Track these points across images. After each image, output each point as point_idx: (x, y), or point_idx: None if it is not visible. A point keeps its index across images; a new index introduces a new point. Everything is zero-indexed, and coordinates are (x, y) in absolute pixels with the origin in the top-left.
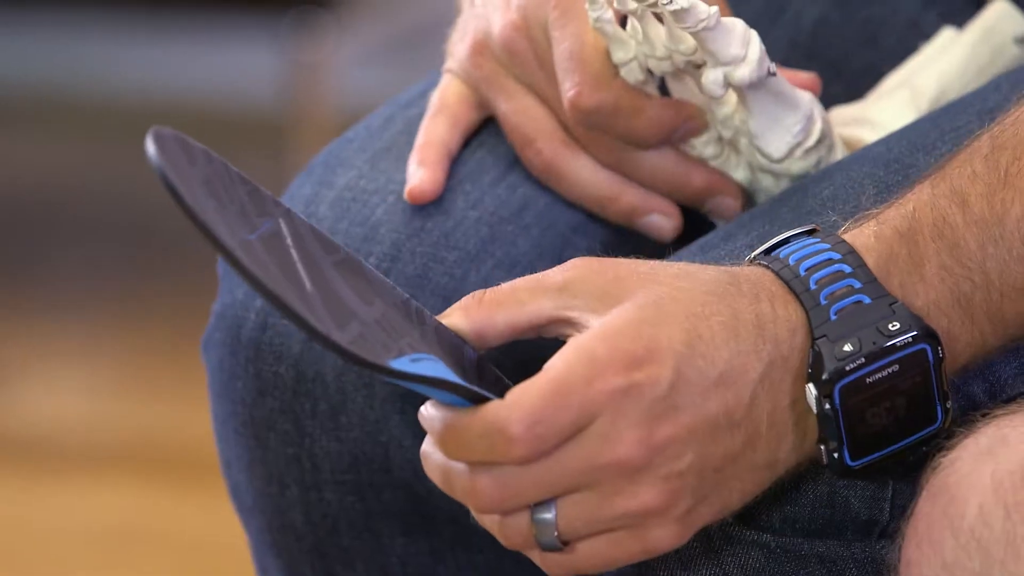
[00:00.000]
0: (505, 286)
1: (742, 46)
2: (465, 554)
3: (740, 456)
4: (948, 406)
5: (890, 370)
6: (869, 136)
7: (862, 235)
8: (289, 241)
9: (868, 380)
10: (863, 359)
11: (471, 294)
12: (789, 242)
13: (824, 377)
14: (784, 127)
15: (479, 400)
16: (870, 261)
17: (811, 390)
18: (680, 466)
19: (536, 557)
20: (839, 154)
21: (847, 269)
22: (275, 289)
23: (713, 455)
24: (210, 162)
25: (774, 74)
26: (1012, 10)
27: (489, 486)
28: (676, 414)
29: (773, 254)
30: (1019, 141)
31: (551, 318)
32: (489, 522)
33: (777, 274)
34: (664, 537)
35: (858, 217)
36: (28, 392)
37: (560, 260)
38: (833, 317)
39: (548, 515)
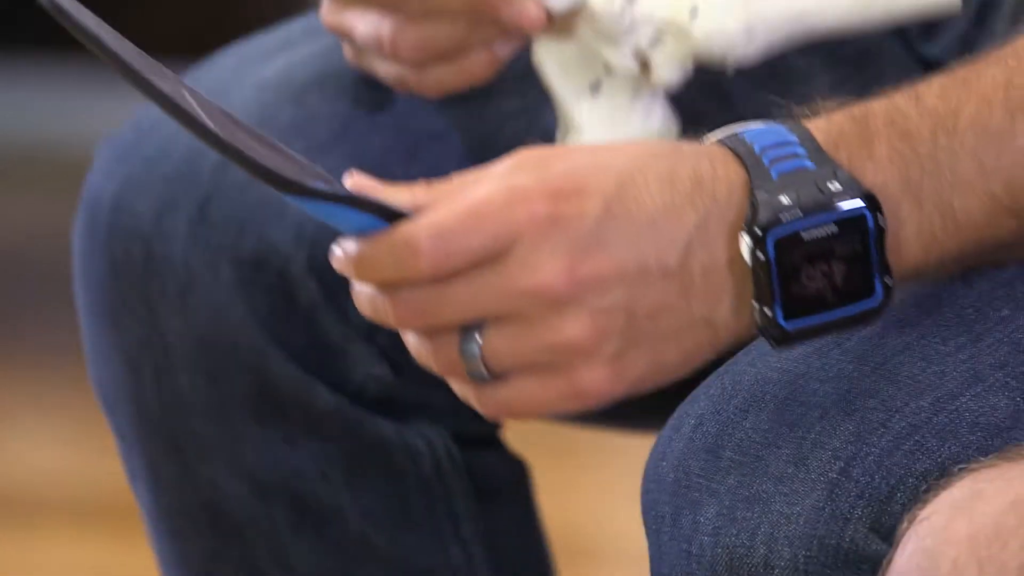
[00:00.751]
0: (452, 179)
1: None
2: (319, 443)
3: (674, 306)
4: (888, 282)
5: (827, 230)
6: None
7: (815, 120)
8: (192, 101)
9: (804, 236)
10: (799, 211)
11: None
12: (746, 126)
13: (759, 224)
14: None
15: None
16: (819, 136)
17: (745, 239)
18: (607, 303)
19: (469, 394)
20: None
21: (794, 139)
22: (206, 124)
23: (644, 299)
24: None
25: None
26: None
27: (404, 302)
28: (603, 250)
29: (730, 133)
30: (980, 60)
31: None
32: (416, 346)
33: (723, 142)
34: (594, 380)
35: (817, 110)
36: (11, 445)
37: (412, 161)
38: (775, 177)
39: (473, 342)
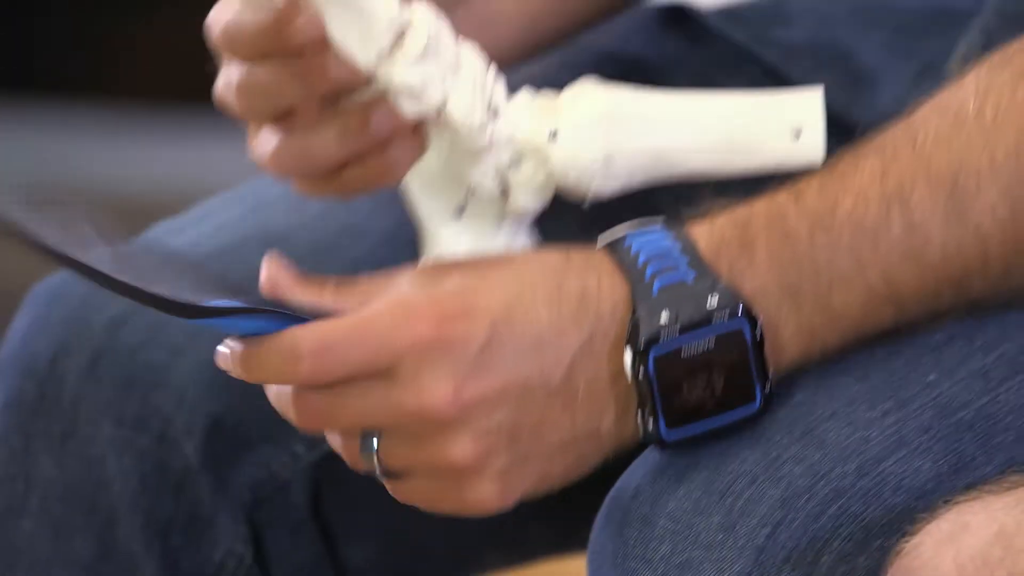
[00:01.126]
0: (361, 281)
1: None
2: None
3: (558, 422)
4: (767, 391)
5: (706, 345)
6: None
7: (699, 224)
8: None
9: (683, 352)
10: (678, 328)
11: (327, 281)
12: (635, 230)
13: (640, 343)
14: (370, 32)
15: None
16: (701, 244)
17: (627, 355)
18: (491, 424)
19: (383, 481)
20: (468, 77)
21: (676, 251)
22: (87, 262)
23: (528, 416)
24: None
25: None
26: (813, 100)
27: (303, 402)
28: (488, 372)
29: (617, 240)
30: (860, 150)
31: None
32: (331, 439)
33: (610, 253)
34: (482, 495)
35: (704, 214)
36: None
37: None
38: (655, 292)
39: (371, 443)
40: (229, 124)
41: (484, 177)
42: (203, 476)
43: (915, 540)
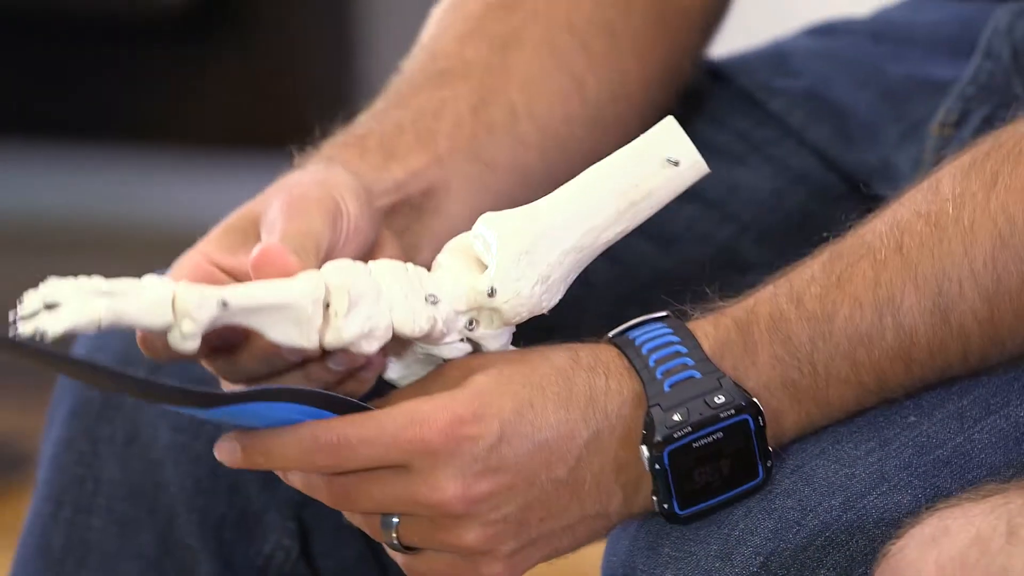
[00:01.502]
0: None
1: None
2: None
3: (566, 509)
4: (769, 465)
5: (715, 437)
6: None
7: (703, 323)
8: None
9: (694, 445)
10: (690, 428)
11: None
12: (641, 325)
13: (655, 441)
14: (300, 319)
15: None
16: (706, 345)
17: (644, 451)
18: (499, 515)
19: (395, 556)
20: (396, 291)
21: (683, 349)
22: (122, 371)
23: (535, 506)
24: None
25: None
26: (671, 129)
27: (329, 486)
28: (495, 472)
29: (624, 335)
30: (853, 250)
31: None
32: (350, 517)
33: (622, 351)
34: (495, 571)
35: (707, 308)
36: None
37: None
38: (667, 389)
39: (391, 521)
40: (275, 166)
41: (454, 350)
42: (253, 477)
43: (900, 543)
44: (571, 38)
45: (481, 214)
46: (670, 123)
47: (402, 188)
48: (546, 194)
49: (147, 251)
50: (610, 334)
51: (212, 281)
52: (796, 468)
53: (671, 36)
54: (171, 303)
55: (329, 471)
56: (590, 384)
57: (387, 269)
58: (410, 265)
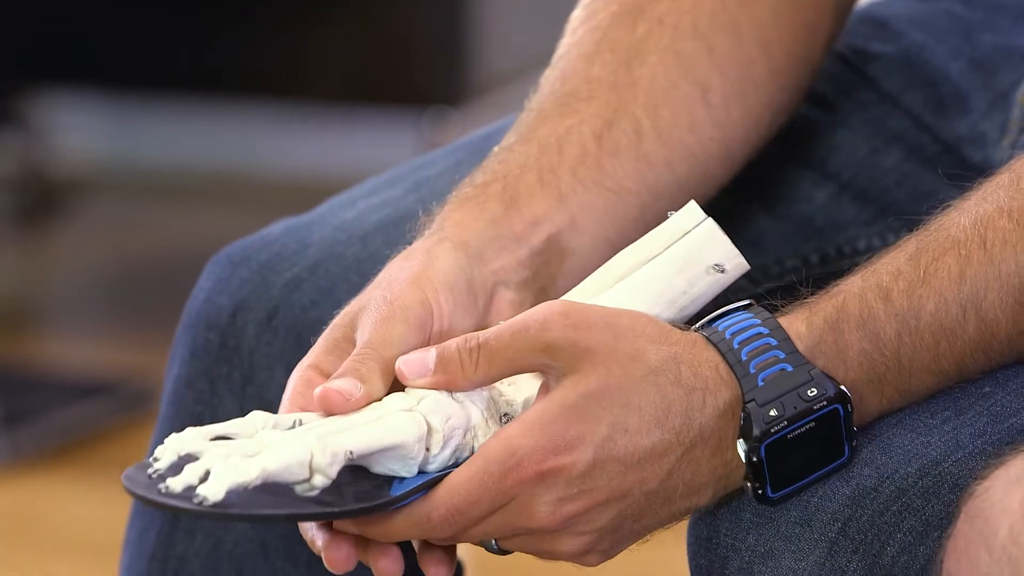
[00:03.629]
0: (496, 340)
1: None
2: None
3: (658, 513)
4: (854, 444)
5: (808, 427)
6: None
7: (795, 322)
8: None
9: (789, 437)
10: (786, 422)
11: (463, 341)
12: (728, 315)
13: (754, 436)
14: (406, 457)
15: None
16: (800, 346)
17: (741, 445)
18: (593, 528)
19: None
20: (480, 419)
21: (773, 341)
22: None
23: (627, 515)
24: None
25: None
26: (713, 234)
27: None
28: (588, 494)
29: (713, 326)
30: (938, 244)
31: (533, 369)
32: None
33: (715, 346)
34: (591, 562)
35: (796, 302)
36: None
37: None
38: (761, 383)
39: (491, 542)
40: (389, 118)
41: (492, 429)
42: None
43: (985, 483)
44: (695, 43)
45: (611, 243)
46: (711, 228)
47: (523, 240)
48: (677, 208)
49: (268, 199)
50: (698, 325)
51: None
52: (874, 438)
53: (800, 20)
54: (309, 463)
55: (448, 539)
56: (687, 404)
57: (471, 397)
58: (487, 390)
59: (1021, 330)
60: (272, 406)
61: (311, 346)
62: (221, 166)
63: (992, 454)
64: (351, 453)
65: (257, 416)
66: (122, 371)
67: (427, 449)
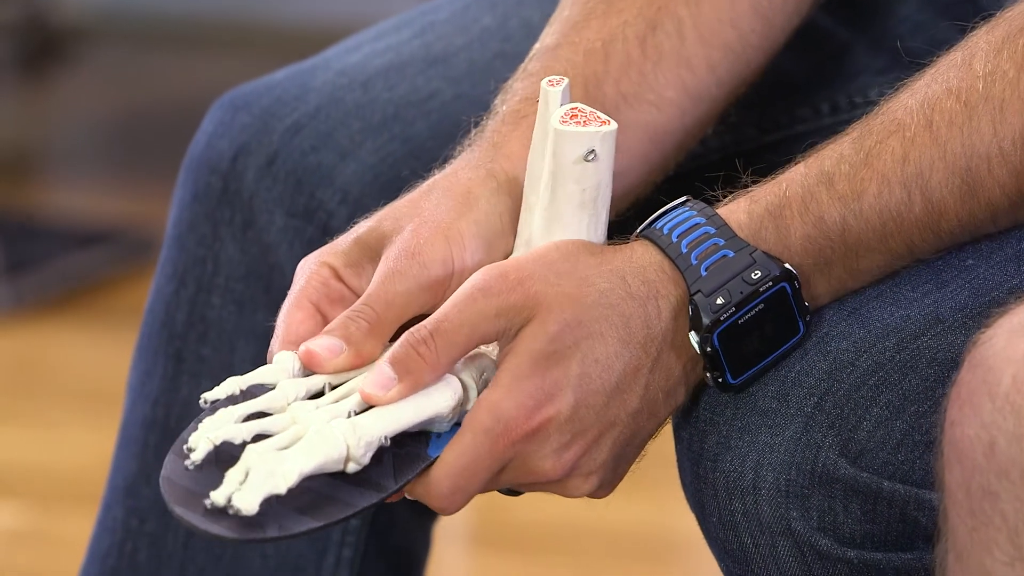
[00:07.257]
0: (447, 322)
1: None
2: None
3: (646, 426)
4: (808, 319)
5: (757, 309)
6: None
7: (736, 212)
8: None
9: (740, 322)
10: (734, 308)
11: (412, 336)
12: (666, 213)
13: (704, 327)
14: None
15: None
16: (741, 235)
17: (694, 337)
18: (596, 464)
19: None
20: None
21: (711, 230)
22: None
23: (621, 440)
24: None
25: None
26: (565, 131)
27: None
28: (580, 436)
29: (652, 227)
30: (883, 127)
31: (491, 337)
32: None
33: (656, 244)
34: (604, 494)
35: (735, 193)
36: None
37: (453, 144)
38: (704, 273)
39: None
40: None
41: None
42: None
43: (988, 332)
44: None
45: (647, 158)
46: (559, 132)
47: None
48: (716, 113)
49: (276, 47)
50: (639, 229)
51: (339, 299)
52: (853, 311)
53: None
54: (345, 456)
55: (455, 508)
56: (645, 314)
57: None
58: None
59: (971, 211)
60: (272, 250)
61: (310, 193)
62: (228, 13)
63: (973, 328)
64: (385, 439)
65: (288, 385)
66: (124, 219)
67: (459, 404)
